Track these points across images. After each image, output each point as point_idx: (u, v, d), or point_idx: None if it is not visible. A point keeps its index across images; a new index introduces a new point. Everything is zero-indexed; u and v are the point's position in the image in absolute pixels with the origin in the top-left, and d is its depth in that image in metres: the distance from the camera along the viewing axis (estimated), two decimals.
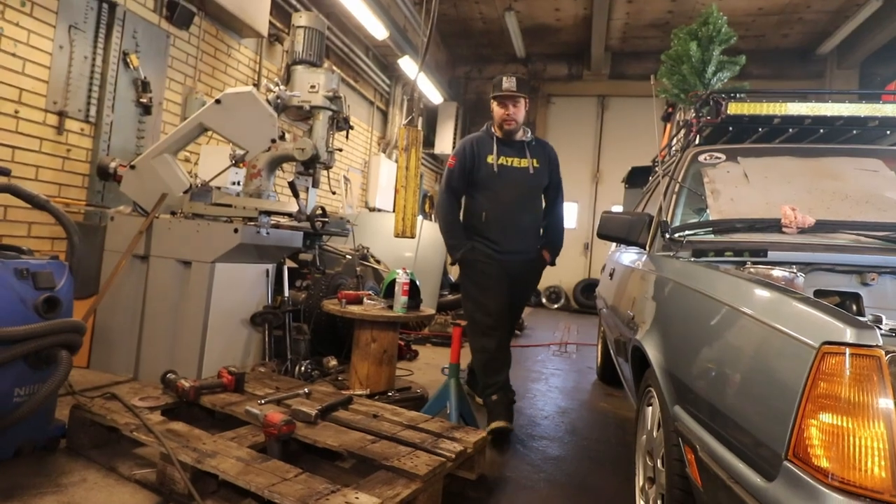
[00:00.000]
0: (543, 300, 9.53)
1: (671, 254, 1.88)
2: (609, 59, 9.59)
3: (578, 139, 9.95)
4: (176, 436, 1.74)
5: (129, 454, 1.91)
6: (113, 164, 3.11)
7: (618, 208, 8.97)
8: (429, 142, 9.34)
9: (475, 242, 2.72)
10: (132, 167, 3.04)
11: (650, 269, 1.97)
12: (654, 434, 1.48)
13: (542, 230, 2.91)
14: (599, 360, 4.08)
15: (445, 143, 9.29)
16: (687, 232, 1.97)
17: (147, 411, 1.94)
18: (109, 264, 2.90)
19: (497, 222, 2.71)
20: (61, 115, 3.33)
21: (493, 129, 2.82)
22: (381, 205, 7.54)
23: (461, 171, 2.73)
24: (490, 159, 2.71)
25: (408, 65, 7.05)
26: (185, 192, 3.05)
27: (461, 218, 2.85)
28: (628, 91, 9.33)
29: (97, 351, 2.93)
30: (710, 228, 1.96)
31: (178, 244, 2.80)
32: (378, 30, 5.92)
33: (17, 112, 3.09)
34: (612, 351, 2.90)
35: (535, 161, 2.78)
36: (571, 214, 10.03)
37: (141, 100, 3.84)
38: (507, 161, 2.73)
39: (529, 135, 2.88)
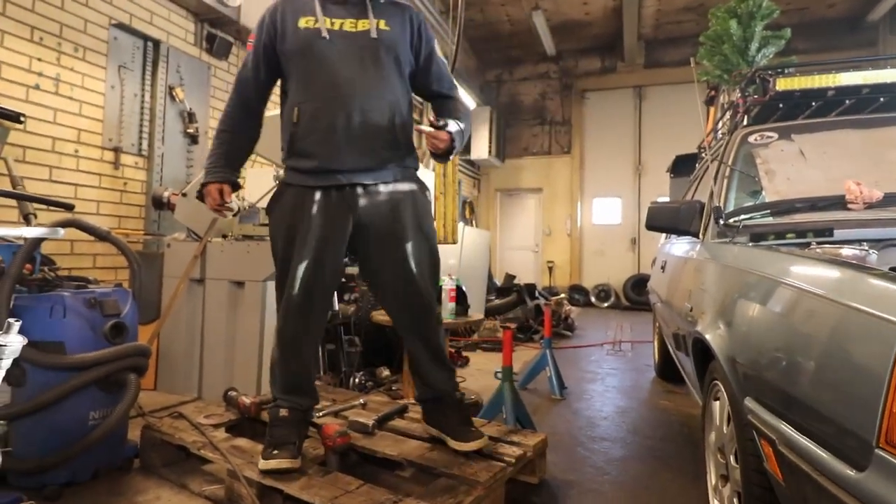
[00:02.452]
0: (592, 299, 9.33)
1: (727, 240, 1.80)
2: (643, 48, 9.36)
3: (617, 133, 9.73)
4: (240, 452, 1.79)
5: (198, 471, 1.98)
6: (166, 194, 3.26)
7: (664, 199, 8.70)
8: (465, 148, 9.35)
9: (288, 167, 1.76)
10: (184, 195, 3.18)
11: (706, 257, 1.89)
12: (725, 429, 1.41)
13: (407, 138, 1.85)
14: (657, 356, 3.94)
15: (481, 148, 9.28)
16: (742, 216, 1.88)
17: (212, 428, 2.00)
18: (169, 289, 3.03)
19: (316, 121, 1.68)
20: (116, 150, 3.54)
21: None
22: None
23: (257, 56, 1.77)
24: (306, 22, 1.71)
25: None
26: (234, 214, 3.15)
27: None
28: (665, 79, 9.06)
29: (162, 373, 3.06)
30: (768, 211, 1.86)
31: (230, 266, 2.90)
32: None
33: (77, 151, 3.29)
34: (670, 346, 2.79)
35: (380, 21, 1.76)
36: (616, 210, 9.81)
37: (188, 130, 4.03)
38: (331, 23, 1.72)
39: None
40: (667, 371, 3.62)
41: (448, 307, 2.74)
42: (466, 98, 8.24)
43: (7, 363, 0.95)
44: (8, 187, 2.50)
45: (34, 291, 1.89)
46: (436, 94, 1.95)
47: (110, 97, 3.50)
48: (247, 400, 2.18)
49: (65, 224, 2.04)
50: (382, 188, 1.75)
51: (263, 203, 3.43)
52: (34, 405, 1.70)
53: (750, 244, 1.69)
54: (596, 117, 9.93)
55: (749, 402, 1.12)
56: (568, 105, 10.05)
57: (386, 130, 1.74)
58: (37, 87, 3.06)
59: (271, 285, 2.82)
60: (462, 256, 5.03)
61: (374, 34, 1.74)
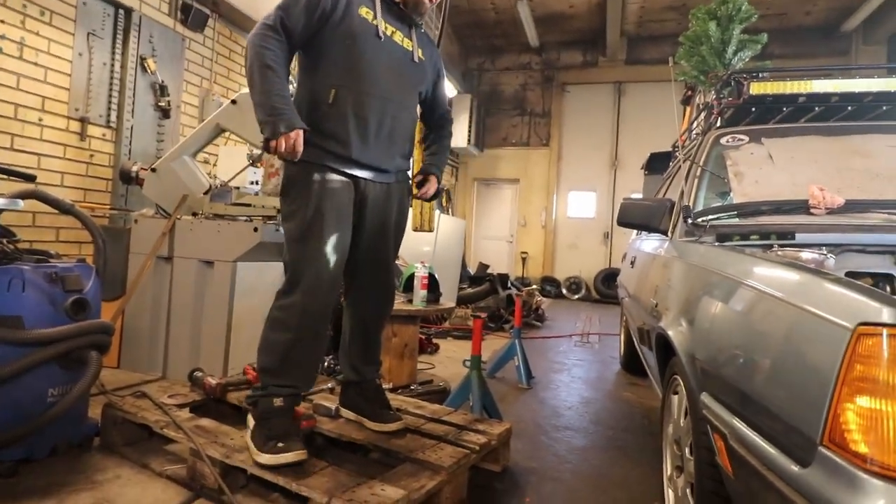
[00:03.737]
0: (564, 291, 9.47)
1: (694, 239, 1.84)
2: (625, 45, 9.43)
3: (595, 127, 9.83)
4: (204, 432, 1.77)
5: (160, 451, 1.95)
6: (135, 168, 3.17)
7: (637, 196, 8.85)
8: None
9: (313, 144, 1.69)
10: (153, 170, 3.09)
11: (673, 255, 1.93)
12: (682, 422, 1.46)
13: (411, 152, 1.98)
14: (622, 349, 4.04)
15: (460, 137, 9.25)
16: (710, 216, 1.93)
17: (176, 409, 1.98)
18: (135, 266, 2.96)
19: (357, 110, 1.72)
20: (83, 121, 3.41)
21: None
22: None
23: (310, 9, 1.68)
24: (366, 13, 1.75)
25: None
26: (205, 192, 3.09)
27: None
28: (645, 76, 9.17)
29: (126, 351, 3.00)
30: (734, 212, 1.91)
31: (200, 244, 2.85)
32: None
33: (41, 120, 3.16)
34: (635, 340, 2.86)
35: (420, 51, 1.91)
36: (590, 203, 9.94)
37: (159, 103, 3.91)
38: (389, 30, 1.80)
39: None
40: (631, 364, 3.72)
41: (420, 294, 2.75)
42: (447, 84, 8.19)
43: None
44: None
45: None
46: (435, 117, 2.12)
47: (78, 65, 3.36)
48: (212, 381, 2.15)
49: (25, 195, 1.97)
50: (385, 187, 1.88)
51: (236, 182, 3.37)
52: None
53: (716, 244, 1.73)
54: (575, 111, 9.99)
55: (705, 398, 1.16)
56: (548, 97, 10.08)
57: (405, 141, 1.91)
58: None
59: (242, 266, 2.79)
60: (437, 244, 5.03)
61: (415, 59, 1.89)
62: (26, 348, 1.71)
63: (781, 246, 1.64)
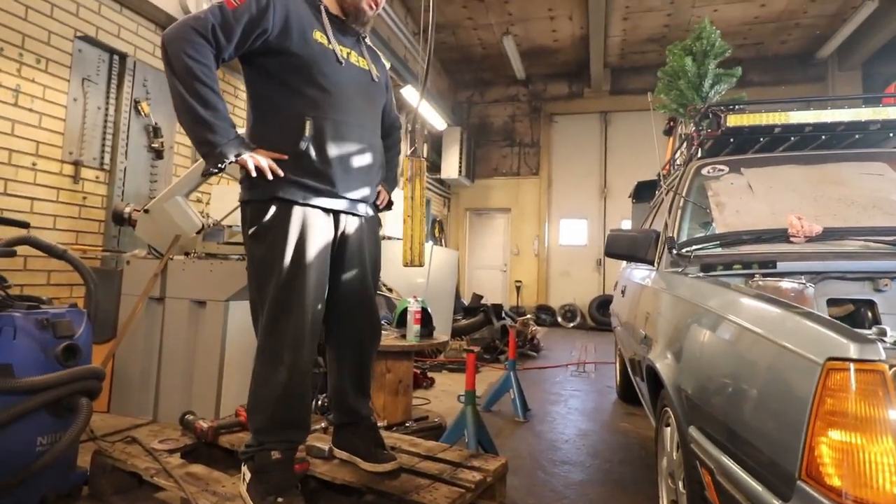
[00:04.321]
0: (559, 319, 9.46)
1: (679, 270, 1.88)
2: (609, 76, 9.71)
3: (584, 156, 10.01)
4: (195, 479, 1.75)
5: (150, 498, 1.92)
6: (127, 210, 3.20)
7: (627, 223, 8.96)
8: (435, 167, 9.45)
9: (290, 181, 1.60)
10: (146, 211, 3.12)
11: (659, 286, 1.96)
12: (674, 456, 1.46)
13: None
14: (618, 378, 4.02)
15: (452, 167, 9.39)
16: (694, 247, 1.97)
17: (167, 454, 1.95)
18: (127, 307, 2.95)
19: (338, 140, 1.64)
20: (77, 164, 3.45)
21: None
22: (392, 232, 7.60)
23: (248, 27, 1.54)
24: (320, 38, 1.66)
25: (411, 94, 7.18)
26: (198, 232, 3.11)
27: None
28: (630, 105, 9.41)
29: (116, 394, 2.96)
30: (717, 242, 1.96)
31: (192, 284, 2.85)
32: None
33: (34, 164, 3.20)
34: (629, 370, 2.87)
35: (374, 68, 1.85)
36: (582, 231, 10.03)
37: (153, 145, 3.97)
38: (344, 52, 1.72)
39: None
40: (628, 393, 3.71)
41: (413, 329, 2.76)
42: (437, 118, 8.35)
43: None
44: None
45: None
46: (385, 127, 2.01)
47: (72, 110, 3.42)
48: (204, 424, 2.13)
49: (18, 242, 1.99)
50: (361, 218, 1.83)
51: (228, 221, 3.40)
52: None
53: (700, 274, 1.77)
54: (564, 140, 10.19)
55: (693, 431, 1.18)
56: (537, 127, 10.29)
57: (379, 167, 1.85)
58: None
59: (234, 305, 2.80)
60: (430, 276, 5.05)
61: (374, 79, 1.84)
62: (16, 397, 1.69)
63: (763, 275, 1.68)
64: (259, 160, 1.56)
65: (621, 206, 9.25)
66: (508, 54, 8.78)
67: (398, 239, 7.23)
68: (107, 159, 3.66)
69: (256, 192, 1.63)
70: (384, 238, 7.39)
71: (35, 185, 3.21)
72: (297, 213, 1.62)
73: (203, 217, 3.25)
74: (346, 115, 1.69)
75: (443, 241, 10.10)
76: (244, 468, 1.65)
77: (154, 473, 1.81)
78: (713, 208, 2.13)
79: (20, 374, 1.72)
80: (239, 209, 1.74)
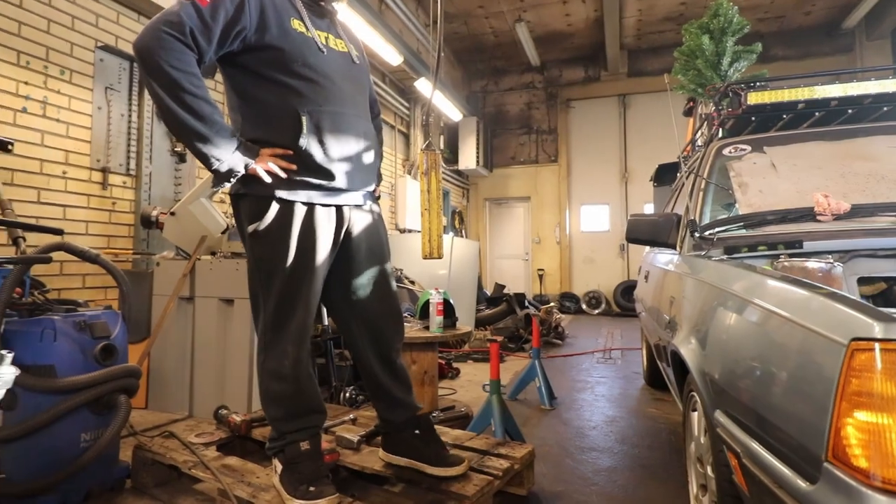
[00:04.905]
0: (583, 306, 9.40)
1: (702, 253, 1.86)
2: (626, 58, 9.52)
3: (603, 141, 9.87)
4: (231, 471, 1.81)
5: (189, 490, 1.99)
6: (155, 213, 3.28)
7: (649, 207, 8.82)
8: (453, 158, 9.44)
9: (292, 179, 1.56)
10: (172, 214, 3.20)
11: (683, 270, 1.95)
12: (702, 440, 1.46)
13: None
14: (645, 364, 4.00)
15: (469, 158, 9.37)
16: (717, 229, 1.94)
17: (203, 447, 2.02)
18: (159, 307, 3.04)
19: (336, 132, 1.59)
20: (105, 171, 3.55)
21: None
22: (411, 225, 7.64)
23: (227, 28, 1.46)
24: (298, 26, 1.58)
25: (424, 86, 7.17)
26: (223, 232, 3.18)
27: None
28: (649, 87, 9.22)
29: (153, 391, 3.07)
30: (741, 223, 1.93)
31: (219, 283, 2.92)
32: (393, 56, 6.07)
33: (65, 173, 3.31)
34: (655, 355, 2.85)
35: (353, 48, 1.76)
36: (604, 217, 9.92)
37: (175, 149, 4.05)
38: (322, 37, 1.64)
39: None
40: (655, 379, 3.68)
41: (436, 321, 2.78)
42: (452, 109, 8.33)
43: (0, 393, 0.97)
44: None
45: (25, 316, 1.91)
46: (373, 115, 1.92)
47: (97, 118, 3.52)
48: (237, 418, 2.20)
49: (54, 248, 2.07)
50: (365, 208, 1.79)
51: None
52: (25, 428, 1.72)
53: (724, 257, 1.75)
54: (581, 126, 10.06)
55: (719, 415, 1.17)
56: (553, 114, 10.17)
57: (375, 155, 1.79)
58: (24, 111, 3.08)
59: None
60: (451, 267, 5.07)
61: (355, 59, 1.75)
62: (59, 396, 1.78)
63: (790, 255, 1.65)
64: (269, 165, 1.52)
65: (643, 191, 9.10)
66: (522, 41, 8.68)
67: (418, 231, 7.26)
68: (132, 165, 3.76)
69: (254, 186, 1.56)
70: (403, 231, 7.44)
71: (66, 193, 3.32)
72: (300, 212, 1.58)
73: (227, 217, 3.32)
74: (340, 106, 1.62)
75: (463, 232, 10.10)
76: (275, 461, 1.69)
77: (192, 466, 1.87)
78: (736, 189, 2.09)
79: (61, 374, 1.80)
80: (231, 199, 1.67)
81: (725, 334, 1.28)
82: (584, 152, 9.97)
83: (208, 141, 1.44)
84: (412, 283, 4.74)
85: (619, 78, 9.62)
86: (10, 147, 1.94)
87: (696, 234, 1.94)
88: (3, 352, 0.97)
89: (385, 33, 5.70)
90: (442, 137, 9.30)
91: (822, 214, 1.84)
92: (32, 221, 3.01)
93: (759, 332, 1.10)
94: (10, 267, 1.87)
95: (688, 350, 1.48)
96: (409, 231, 7.49)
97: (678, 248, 2.12)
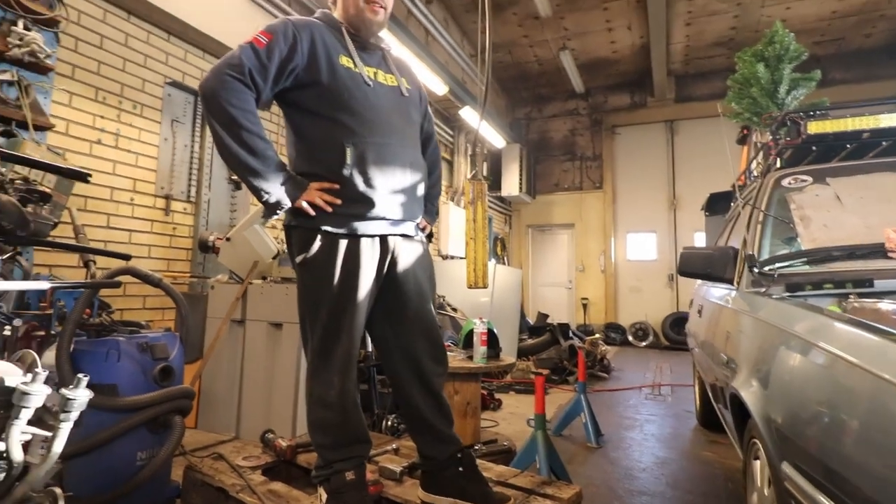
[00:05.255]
0: (629, 337, 9.11)
1: (762, 290, 1.78)
2: (673, 83, 9.39)
3: (649, 167, 9.69)
4: (276, 496, 1.83)
5: None
6: (212, 238, 3.44)
7: (700, 236, 8.53)
8: (495, 185, 9.47)
9: (337, 212, 1.60)
10: (228, 239, 3.34)
11: (742, 308, 1.86)
12: (766, 492, 1.37)
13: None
14: (698, 402, 3.81)
15: (512, 185, 9.39)
16: (778, 265, 1.86)
17: (250, 471, 2.06)
18: (212, 329, 3.16)
19: (380, 163, 1.62)
20: (167, 198, 3.76)
21: (336, 18, 1.75)
22: (454, 252, 7.68)
23: (282, 66, 1.57)
24: (346, 62, 1.66)
25: (468, 114, 7.28)
26: (274, 257, 3.29)
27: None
28: (698, 112, 9.04)
29: (203, 411, 3.16)
30: (804, 259, 1.84)
31: (269, 307, 3.01)
32: (438, 86, 6.21)
33: (132, 199, 3.52)
34: (710, 395, 2.71)
35: (405, 81, 1.82)
36: (651, 245, 9.67)
37: (232, 177, 4.25)
38: (370, 72, 1.71)
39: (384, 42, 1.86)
40: (709, 419, 3.50)
41: (480, 351, 2.76)
42: (495, 136, 8.40)
43: (75, 416, 1.03)
44: (71, 234, 2.69)
45: (92, 336, 2.02)
46: (429, 149, 1.96)
47: (163, 149, 3.75)
48: (283, 443, 2.23)
49: (121, 272, 2.19)
50: (415, 239, 1.80)
51: None
52: (89, 445, 1.80)
53: (786, 295, 1.66)
54: (627, 152, 9.92)
55: (786, 468, 1.10)
56: (598, 140, 10.09)
57: (420, 186, 1.80)
58: (98, 142, 3.32)
59: None
60: (494, 295, 5.04)
61: (404, 93, 1.79)
62: (120, 414, 1.86)
63: (859, 296, 1.56)
64: (315, 199, 1.58)
65: (693, 219, 8.83)
66: (566, 69, 8.72)
67: (460, 258, 7.28)
68: (193, 192, 3.97)
69: (302, 219, 1.63)
70: (446, 257, 7.48)
71: (132, 219, 3.52)
72: (344, 244, 1.62)
73: (278, 243, 3.44)
74: (386, 137, 1.66)
75: (505, 258, 10.05)
76: (320, 489, 1.69)
77: (239, 490, 1.90)
78: (797, 222, 2.00)
79: (123, 393, 1.89)
80: (284, 230, 1.74)
81: (794, 380, 1.21)
82: (631, 179, 9.80)
83: (259, 175, 1.53)
84: (454, 310, 4.74)
85: (667, 104, 9.47)
86: (88, 178, 2.09)
87: (756, 270, 1.86)
88: (80, 375, 1.03)
89: (431, 64, 5.85)
90: (485, 164, 9.37)
91: (894, 251, 1.74)
92: (101, 245, 3.21)
93: (830, 379, 1.04)
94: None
95: (749, 394, 1.40)
96: (452, 257, 7.52)
97: (735, 284, 2.04)
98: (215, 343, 3.02)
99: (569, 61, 8.47)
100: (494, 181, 9.46)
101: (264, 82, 1.56)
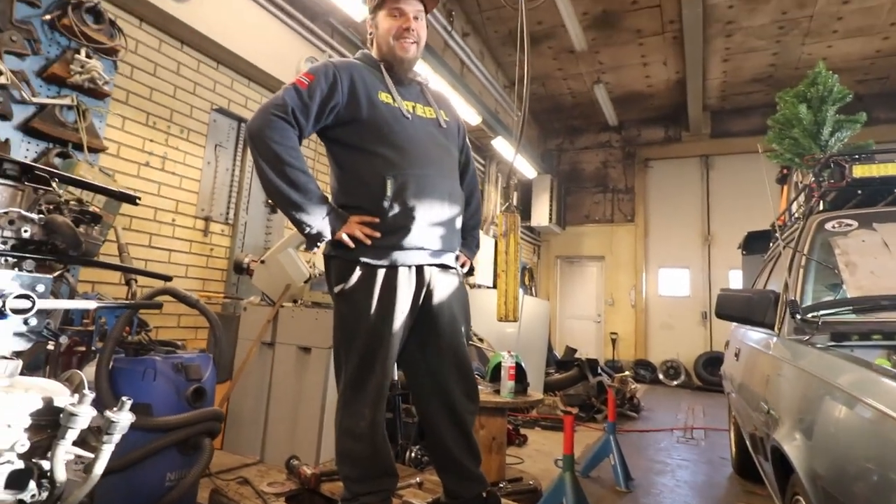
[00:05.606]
0: (660, 376, 8.83)
1: (805, 338, 1.71)
2: (709, 119, 9.31)
3: (683, 202, 9.54)
4: None
5: None
6: (247, 260, 3.52)
7: (736, 274, 8.30)
8: (525, 214, 9.47)
9: (376, 245, 1.64)
10: (262, 262, 3.41)
11: (783, 355, 1.80)
12: None
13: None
14: (734, 449, 3.64)
15: (542, 215, 9.37)
16: (822, 312, 1.79)
17: (274, 497, 2.06)
18: (242, 350, 3.20)
19: (414, 196, 1.64)
20: (207, 219, 3.88)
21: (374, 57, 1.83)
22: (481, 281, 7.66)
23: (323, 104, 1.65)
24: (385, 97, 1.72)
25: (500, 144, 7.34)
26: (306, 281, 3.34)
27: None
28: (735, 148, 8.91)
29: (229, 433, 3.18)
30: (849, 307, 1.77)
31: (299, 331, 3.05)
32: (472, 117, 6.31)
33: (174, 220, 3.65)
34: (748, 444, 2.60)
35: (443, 113, 1.86)
36: (684, 281, 9.45)
37: (268, 201, 4.37)
38: (408, 106, 1.76)
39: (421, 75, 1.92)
40: (746, 467, 3.33)
41: (508, 385, 2.72)
42: (526, 166, 8.43)
43: (117, 438, 1.05)
44: (115, 252, 2.80)
45: (130, 354, 2.08)
46: (466, 180, 2.00)
47: (206, 172, 3.89)
48: (308, 470, 2.22)
49: (161, 293, 2.26)
50: (448, 271, 1.80)
51: None
52: (122, 463, 1.82)
53: (831, 344, 1.60)
54: (660, 186, 9.81)
55: None
56: (631, 173, 10.02)
57: (458, 217, 1.82)
58: (146, 164, 3.47)
59: None
60: (521, 327, 4.99)
61: (442, 125, 1.84)
62: (153, 434, 1.89)
63: None
64: (355, 232, 1.62)
65: (728, 256, 8.61)
66: (600, 102, 8.75)
67: (488, 287, 7.25)
68: (231, 214, 4.09)
69: (342, 250, 1.66)
70: (474, 286, 7.46)
71: (173, 239, 3.65)
72: (381, 274, 1.64)
73: (311, 267, 3.49)
74: (424, 168, 1.69)
75: (533, 289, 9.97)
76: None
77: None
78: (842, 268, 1.94)
79: (157, 413, 1.92)
80: (323, 259, 1.78)
81: (840, 436, 1.15)
82: (663, 213, 9.66)
83: (301, 208, 1.58)
84: (481, 340, 4.70)
85: (702, 138, 9.38)
86: (137, 201, 2.19)
87: (798, 317, 1.80)
88: (124, 398, 1.06)
89: (465, 95, 5.96)
90: (515, 194, 9.40)
91: None
92: (142, 263, 3.33)
93: (875, 433, 0.99)
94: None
95: (792, 447, 1.34)
96: (480, 286, 7.50)
97: (776, 329, 1.97)
98: (244, 365, 3.06)
99: (603, 95, 8.50)
100: (524, 211, 9.47)
101: (306, 120, 1.64)
